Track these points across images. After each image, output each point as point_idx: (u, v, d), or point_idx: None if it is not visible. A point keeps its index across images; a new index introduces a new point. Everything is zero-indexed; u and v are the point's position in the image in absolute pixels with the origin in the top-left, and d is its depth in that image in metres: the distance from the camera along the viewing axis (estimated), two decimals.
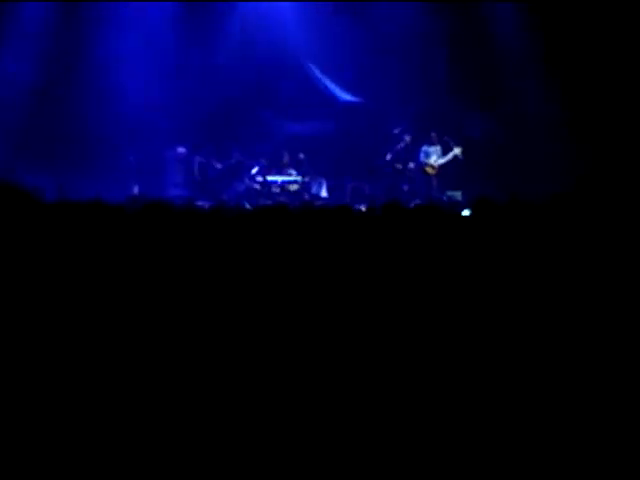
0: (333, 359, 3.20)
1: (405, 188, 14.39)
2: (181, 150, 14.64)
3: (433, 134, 14.43)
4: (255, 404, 3.04)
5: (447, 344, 3.27)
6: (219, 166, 14.66)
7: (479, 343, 3.27)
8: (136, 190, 13.94)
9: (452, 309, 3.43)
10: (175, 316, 3.36)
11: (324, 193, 14.79)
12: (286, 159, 14.67)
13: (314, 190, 14.74)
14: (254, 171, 14.52)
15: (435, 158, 14.44)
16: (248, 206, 11.61)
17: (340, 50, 14.97)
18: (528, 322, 3.31)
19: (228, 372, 3.15)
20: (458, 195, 13.89)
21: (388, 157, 14.47)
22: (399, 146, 14.53)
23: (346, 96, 15.47)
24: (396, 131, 14.62)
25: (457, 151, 14.17)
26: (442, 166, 14.38)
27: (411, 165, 14.53)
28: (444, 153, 14.37)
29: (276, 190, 14.36)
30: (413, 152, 14.59)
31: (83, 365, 3.08)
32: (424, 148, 14.51)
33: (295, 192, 14.35)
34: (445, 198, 13.72)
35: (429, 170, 14.47)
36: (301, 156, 14.67)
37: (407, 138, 14.50)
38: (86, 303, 3.34)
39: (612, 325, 3.21)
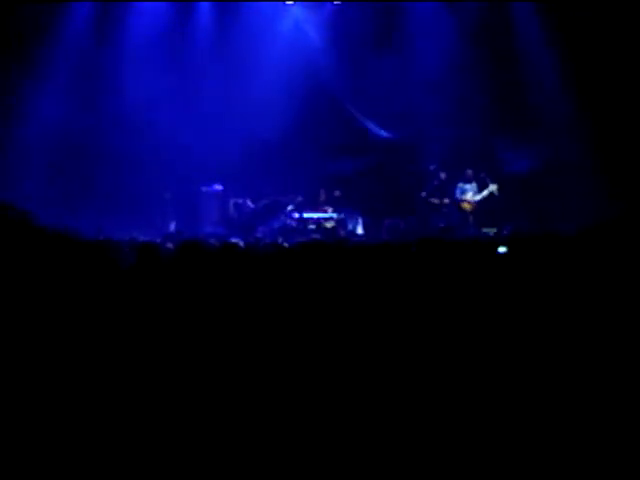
0: (365, 389, 3.20)
1: (441, 225, 14.36)
2: (218, 187, 14.79)
3: (469, 171, 14.43)
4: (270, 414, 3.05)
5: (483, 376, 3.25)
6: (254, 204, 14.75)
7: (515, 376, 3.25)
8: (173, 227, 14.08)
9: (485, 343, 3.41)
10: (209, 348, 3.38)
11: (360, 230, 14.81)
12: (323, 196, 14.71)
13: (350, 227, 14.77)
14: (290, 208, 14.58)
15: (471, 195, 14.43)
16: (283, 242, 11.66)
17: (375, 86, 15.08)
18: (562, 351, 3.29)
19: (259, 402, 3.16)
20: (494, 232, 13.83)
21: (423, 194, 14.49)
22: (434, 183, 14.54)
23: (382, 132, 15.52)
24: (432, 168, 14.65)
25: (493, 188, 14.15)
26: (478, 202, 14.36)
27: (446, 201, 14.52)
28: (480, 190, 14.36)
29: (312, 227, 14.40)
30: (448, 188, 14.59)
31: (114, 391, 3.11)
32: (460, 185, 14.51)
33: (331, 229, 14.38)
34: (481, 235, 13.66)
35: (466, 206, 14.46)
36: (337, 193, 14.72)
37: (442, 175, 14.51)
38: (124, 334, 3.39)
39: None
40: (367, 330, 3.56)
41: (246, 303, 3.77)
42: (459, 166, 14.52)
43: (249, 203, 14.75)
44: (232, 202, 14.76)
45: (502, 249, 5.15)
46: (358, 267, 4.33)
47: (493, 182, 14.15)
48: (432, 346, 3.47)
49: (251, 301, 3.79)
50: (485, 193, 14.25)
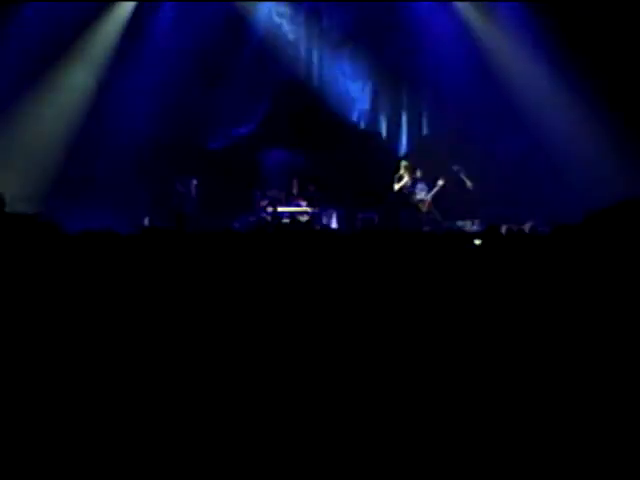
0: (342, 376, 3.23)
1: (415, 218, 14.36)
2: (193, 182, 14.74)
3: (418, 171, 14.36)
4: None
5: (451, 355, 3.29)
6: (229, 198, 14.72)
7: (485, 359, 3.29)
8: (147, 222, 14.02)
9: (460, 332, 3.46)
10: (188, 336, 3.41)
11: (334, 224, 14.84)
12: (295, 188, 14.74)
13: (324, 221, 14.79)
14: (264, 202, 14.58)
15: (424, 194, 14.35)
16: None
17: (350, 80, 15.16)
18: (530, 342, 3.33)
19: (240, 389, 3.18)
20: (468, 225, 13.87)
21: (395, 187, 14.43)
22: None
23: (357, 126, 15.57)
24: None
25: (441, 183, 14.10)
26: (434, 198, 14.27)
27: (420, 196, 14.49)
28: (430, 188, 14.29)
29: (286, 221, 14.41)
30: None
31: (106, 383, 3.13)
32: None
33: (305, 222, 14.39)
34: (455, 228, 13.70)
35: (422, 207, 14.34)
36: (311, 187, 14.73)
37: (418, 172, 14.42)
38: (103, 319, 3.41)
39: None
40: (345, 318, 3.59)
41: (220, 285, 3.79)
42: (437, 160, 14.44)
43: (225, 195, 14.71)
44: (208, 194, 14.71)
45: (477, 242, 5.21)
46: (335, 255, 4.36)
47: (469, 175, 14.09)
48: (408, 336, 3.51)
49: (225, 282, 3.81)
50: (436, 189, 14.21)
